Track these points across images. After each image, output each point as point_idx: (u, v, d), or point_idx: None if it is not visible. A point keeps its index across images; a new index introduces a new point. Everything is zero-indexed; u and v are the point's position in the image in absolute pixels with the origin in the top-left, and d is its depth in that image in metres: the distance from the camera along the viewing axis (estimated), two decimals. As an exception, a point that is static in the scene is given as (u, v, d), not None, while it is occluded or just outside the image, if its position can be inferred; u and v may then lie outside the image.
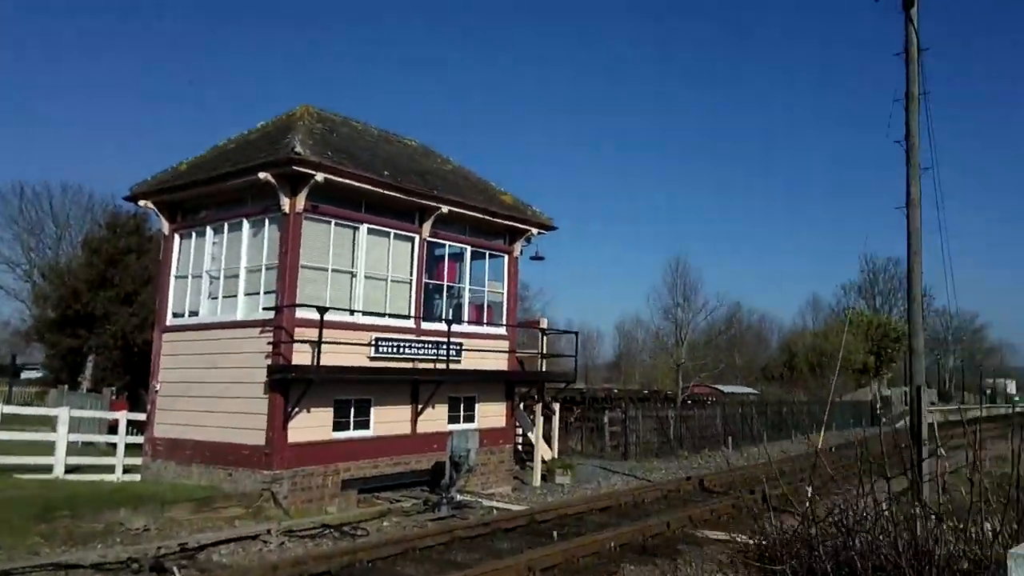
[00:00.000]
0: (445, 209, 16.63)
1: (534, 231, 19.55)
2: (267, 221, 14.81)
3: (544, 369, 20.53)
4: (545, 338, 21.13)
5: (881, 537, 6.01)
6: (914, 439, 12.56)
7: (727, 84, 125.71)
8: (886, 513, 6.14)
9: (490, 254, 18.98)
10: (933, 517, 5.98)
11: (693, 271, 53.68)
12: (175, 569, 10.08)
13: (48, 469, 15.65)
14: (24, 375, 48.49)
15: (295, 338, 13.89)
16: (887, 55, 16.89)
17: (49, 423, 17.05)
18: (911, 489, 8.18)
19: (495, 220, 18.28)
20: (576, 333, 23.29)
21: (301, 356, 13.98)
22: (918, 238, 15.91)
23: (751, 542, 8.06)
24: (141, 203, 16.86)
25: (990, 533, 5.58)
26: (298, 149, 13.62)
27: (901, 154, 16.04)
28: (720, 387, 50.40)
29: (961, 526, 5.91)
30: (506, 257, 19.30)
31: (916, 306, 16.37)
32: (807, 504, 6.93)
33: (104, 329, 28.90)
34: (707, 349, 53.14)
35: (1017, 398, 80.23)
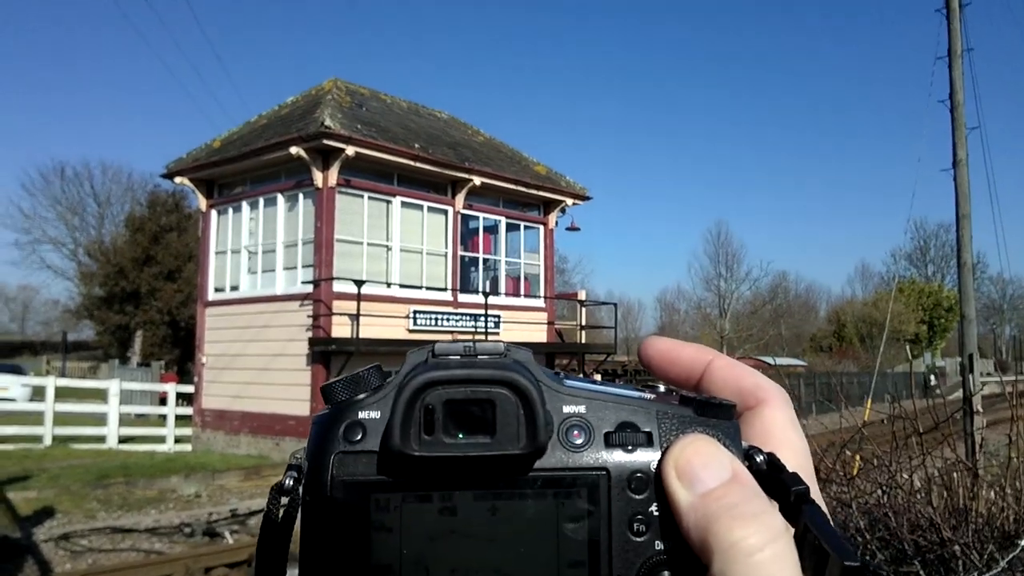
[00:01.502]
0: (478, 181, 16.61)
1: (569, 201, 19.43)
2: (301, 195, 15.01)
3: (583, 341, 20.50)
4: (584, 310, 21.08)
5: (919, 495, 5.88)
6: (968, 407, 12.31)
7: (766, 50, 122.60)
8: (924, 472, 6.00)
9: (525, 226, 18.94)
10: (972, 475, 5.82)
11: (735, 239, 52.89)
12: (227, 533, 10.46)
13: (102, 439, 16.28)
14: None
15: (334, 311, 14.11)
16: (928, 11, 16.19)
17: (101, 396, 17.68)
18: (967, 457, 7.99)
19: (529, 191, 18.21)
20: (615, 304, 23.14)
21: (341, 329, 14.21)
22: (966, 200, 15.43)
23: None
24: (177, 180, 17.23)
25: (1032, 490, 5.42)
26: (328, 123, 13.73)
27: (946, 114, 15.56)
28: (766, 358, 49.73)
29: (1001, 483, 5.75)
30: (541, 228, 19.23)
31: (966, 271, 15.90)
32: (846, 467, 6.81)
33: (150, 305, 29.90)
34: (752, 320, 52.47)
35: (1079, 367, 77.28)
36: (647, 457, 0.34)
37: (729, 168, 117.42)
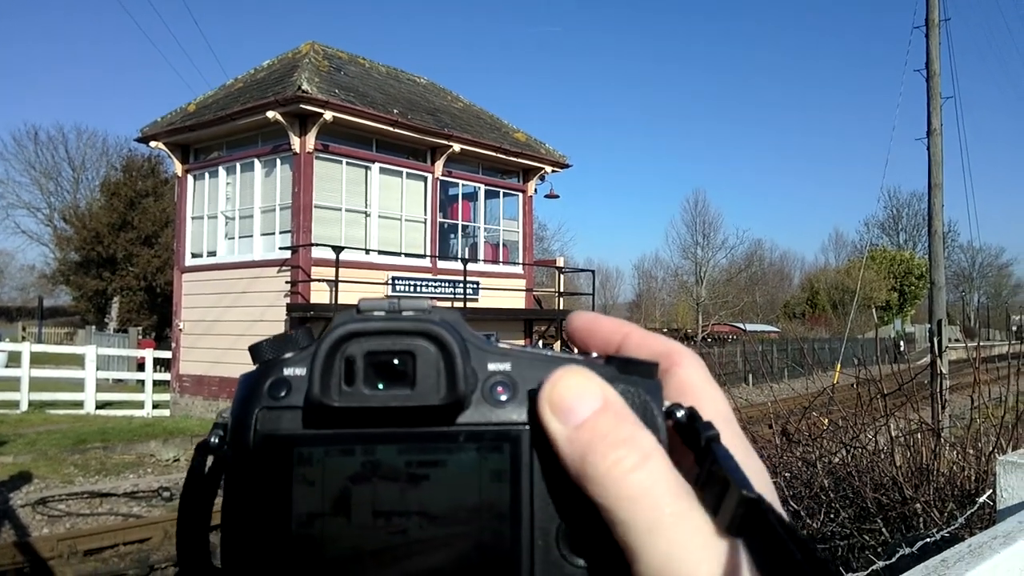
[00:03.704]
0: (457, 147, 16.53)
1: (548, 169, 19.41)
2: (278, 161, 14.87)
3: (562, 308, 20.65)
4: (562, 277, 21.21)
5: (882, 455, 6.09)
6: (933, 370, 12.67)
7: (742, 14, 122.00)
8: (888, 433, 6.22)
9: (504, 193, 18.92)
10: (934, 436, 6.04)
11: (712, 208, 53.11)
12: (204, 497, 10.58)
13: (79, 405, 16.22)
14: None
15: (312, 277, 14.09)
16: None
17: (78, 362, 17.59)
18: (933, 419, 8.24)
19: (508, 158, 18.15)
20: (593, 272, 23.36)
21: (319, 295, 14.20)
22: (939, 169, 15.66)
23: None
24: (152, 144, 16.94)
25: (990, 447, 5.66)
26: (305, 87, 13.55)
27: (922, 84, 15.69)
28: (741, 325, 50.43)
29: (962, 445, 5.98)
30: (520, 196, 19.23)
31: (937, 239, 16.20)
32: (812, 429, 7.01)
33: (127, 271, 29.64)
34: (727, 287, 53.00)
35: (1046, 334, 78.98)
36: None
37: (707, 138, 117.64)
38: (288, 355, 0.36)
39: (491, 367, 0.35)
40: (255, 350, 0.37)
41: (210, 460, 0.36)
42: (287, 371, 0.35)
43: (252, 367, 0.37)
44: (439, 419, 0.34)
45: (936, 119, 15.38)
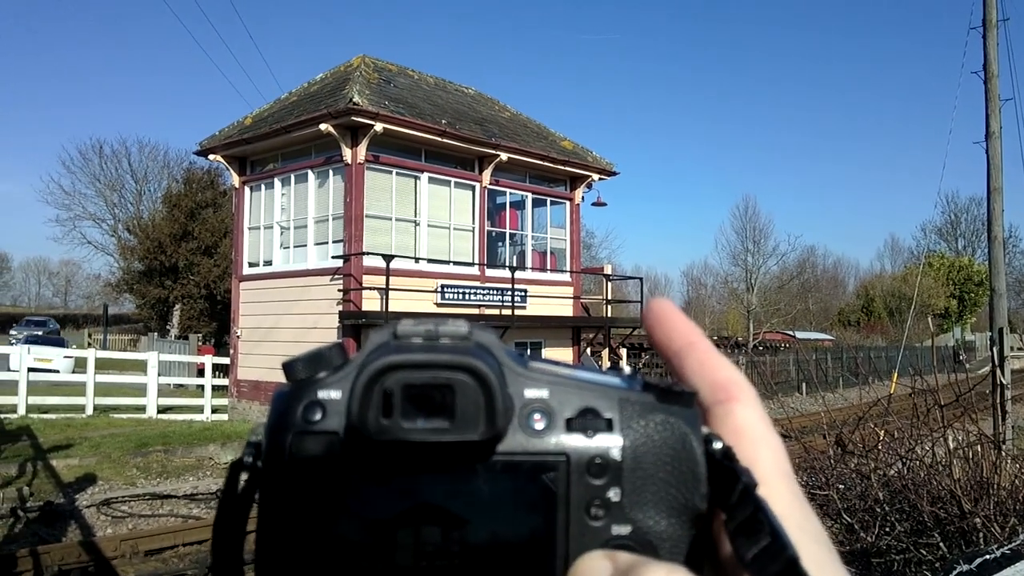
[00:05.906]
0: (504, 156, 16.66)
1: (595, 177, 19.38)
2: (331, 172, 15.22)
3: (610, 315, 20.58)
4: (610, 284, 21.14)
5: (940, 467, 5.94)
6: (994, 380, 12.24)
7: (794, 21, 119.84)
8: (946, 445, 6.06)
9: (551, 201, 18.97)
10: (994, 448, 5.87)
11: (763, 214, 52.13)
12: (260, 499, 10.86)
13: (142, 409, 16.78)
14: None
15: (364, 285, 14.36)
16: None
17: (141, 367, 18.20)
18: (995, 430, 8.00)
19: (555, 166, 18.20)
20: (641, 279, 23.19)
21: (370, 303, 14.46)
22: (998, 173, 15.15)
23: (810, 479, 8.07)
24: (211, 157, 17.48)
25: (1054, 462, 5.47)
26: (356, 100, 13.85)
27: (980, 85, 15.21)
28: (793, 333, 49.37)
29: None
30: (568, 204, 19.25)
31: (997, 245, 15.66)
32: (866, 440, 6.87)
33: (188, 279, 30.57)
34: (779, 294, 51.98)
35: (1117, 343, 75.19)
36: (607, 443, 0.35)
37: (757, 143, 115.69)
38: (322, 375, 0.36)
39: (528, 394, 0.35)
40: (288, 368, 0.36)
41: (244, 478, 0.36)
42: (321, 393, 0.35)
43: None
44: (477, 451, 0.34)
45: (995, 122, 14.91)
